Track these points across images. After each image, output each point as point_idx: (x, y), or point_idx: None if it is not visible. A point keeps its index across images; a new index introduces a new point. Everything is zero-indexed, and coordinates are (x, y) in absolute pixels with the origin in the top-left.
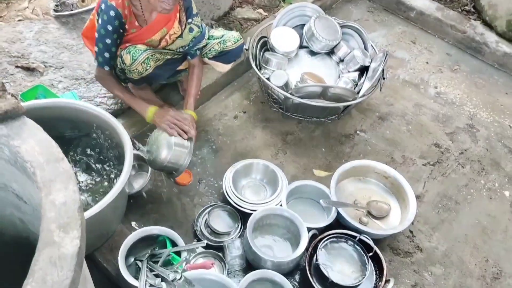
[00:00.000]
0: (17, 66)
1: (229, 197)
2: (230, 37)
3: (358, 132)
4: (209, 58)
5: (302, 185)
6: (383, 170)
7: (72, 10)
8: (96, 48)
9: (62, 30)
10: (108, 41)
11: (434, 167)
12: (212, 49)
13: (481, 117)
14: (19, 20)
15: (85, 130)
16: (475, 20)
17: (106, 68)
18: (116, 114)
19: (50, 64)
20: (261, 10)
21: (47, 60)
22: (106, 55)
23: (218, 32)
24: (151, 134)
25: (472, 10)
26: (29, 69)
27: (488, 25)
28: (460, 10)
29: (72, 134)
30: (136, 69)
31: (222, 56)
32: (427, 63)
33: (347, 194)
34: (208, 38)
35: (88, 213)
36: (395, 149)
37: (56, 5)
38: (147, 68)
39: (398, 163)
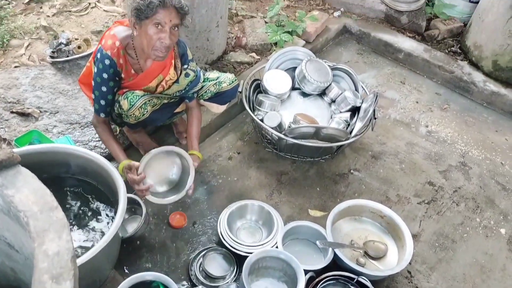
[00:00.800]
0: (12, 112)
1: (224, 240)
2: (225, 79)
3: (352, 171)
4: (204, 100)
5: (298, 226)
6: (379, 210)
7: (68, 56)
8: (93, 96)
9: (58, 75)
10: (104, 89)
11: (429, 206)
12: (208, 90)
13: (473, 155)
14: (15, 67)
15: (80, 175)
16: (461, 60)
17: (102, 115)
18: (110, 157)
19: (45, 109)
20: (253, 54)
21: (43, 105)
22: (102, 102)
23: (213, 74)
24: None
25: (459, 51)
26: (24, 114)
27: (475, 65)
28: (447, 51)
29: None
30: (134, 114)
31: (218, 97)
32: (417, 102)
33: (343, 234)
34: (204, 81)
35: (80, 260)
36: (390, 188)
37: (53, 52)
38: (144, 113)
39: (393, 202)
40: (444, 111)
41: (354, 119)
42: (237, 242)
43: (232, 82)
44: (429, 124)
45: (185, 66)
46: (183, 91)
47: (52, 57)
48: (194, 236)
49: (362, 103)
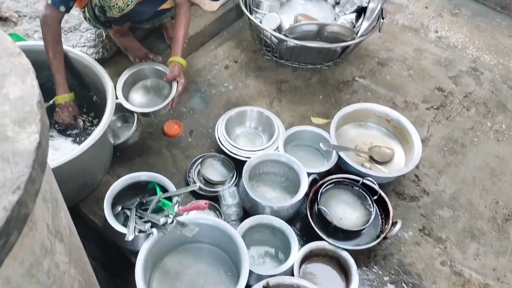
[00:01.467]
0: None
1: (223, 146)
2: None
3: (356, 78)
4: None
5: (300, 131)
6: (385, 113)
7: None
8: None
9: None
10: None
11: (438, 111)
12: None
13: (484, 60)
14: None
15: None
16: None
17: (62, 8)
18: (101, 62)
19: (24, 13)
20: None
21: (21, 9)
22: None
23: None
24: None
25: None
26: (1, 19)
27: None
28: None
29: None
30: (117, 4)
31: None
32: (426, 7)
33: (348, 140)
34: None
35: (68, 157)
36: (397, 94)
37: None
38: (129, 3)
39: (400, 108)
40: (455, 16)
41: (360, 21)
42: (236, 148)
43: None
44: (439, 30)
45: None
46: None
47: None
48: (190, 144)
49: (369, 3)
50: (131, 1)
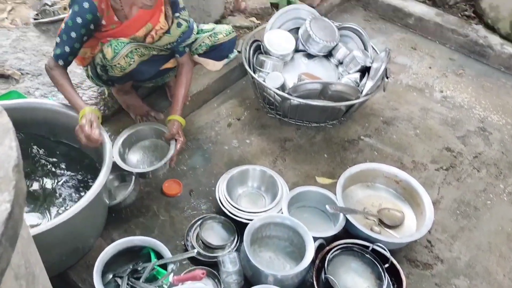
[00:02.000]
0: None
1: (223, 206)
2: (221, 30)
3: (362, 137)
4: (199, 55)
5: (305, 192)
6: (394, 174)
7: (53, 17)
8: (58, 39)
9: (42, 37)
10: (73, 34)
11: (448, 172)
12: (202, 43)
13: (492, 120)
14: None
15: (63, 136)
16: (476, 24)
17: (60, 62)
18: (102, 120)
19: (27, 71)
20: (253, 18)
21: (24, 67)
22: (67, 49)
23: (208, 26)
24: None
25: (472, 15)
26: (3, 76)
27: (491, 28)
28: (460, 15)
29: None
30: (119, 63)
31: (213, 51)
32: (430, 68)
33: (355, 201)
34: (198, 32)
35: (57, 220)
36: (404, 154)
37: (37, 14)
38: (131, 62)
39: (408, 169)
40: (459, 76)
41: (364, 80)
42: (237, 209)
43: (229, 33)
44: (444, 90)
45: (177, 15)
46: (175, 43)
47: (36, 19)
48: (190, 204)
49: (372, 63)
50: (134, 61)
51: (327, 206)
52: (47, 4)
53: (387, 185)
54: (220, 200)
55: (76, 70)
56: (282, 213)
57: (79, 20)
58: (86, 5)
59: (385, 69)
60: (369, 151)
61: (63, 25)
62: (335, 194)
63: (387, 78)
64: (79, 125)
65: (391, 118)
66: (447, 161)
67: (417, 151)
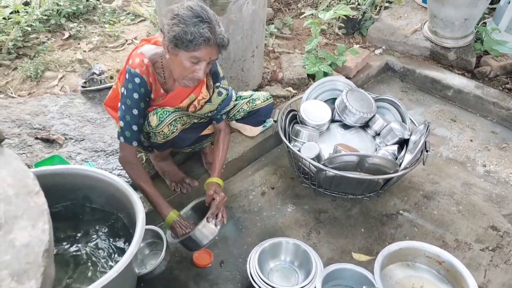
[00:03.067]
0: (36, 138)
1: (255, 282)
2: (259, 96)
3: (401, 211)
4: (237, 120)
5: (340, 269)
6: (436, 254)
7: (99, 85)
8: (121, 123)
9: (88, 104)
10: (135, 111)
11: (495, 253)
12: (241, 109)
13: None
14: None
15: (99, 202)
16: None
17: (134, 143)
18: (134, 187)
19: (70, 136)
20: (290, 88)
21: (68, 132)
22: (134, 128)
23: (246, 93)
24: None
25: None
26: (48, 141)
27: None
28: (501, 88)
29: (86, 205)
30: (162, 131)
31: (251, 116)
32: (471, 140)
33: (394, 282)
34: (236, 99)
35: None
36: (446, 232)
37: (85, 82)
38: (174, 130)
39: (451, 248)
40: (503, 150)
41: (402, 153)
42: (269, 286)
43: (267, 99)
44: (487, 164)
45: (217, 84)
46: (215, 111)
47: (83, 87)
48: (220, 277)
49: (410, 135)
50: (177, 129)
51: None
52: (95, 73)
53: (429, 265)
54: (251, 275)
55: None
56: None
57: (136, 96)
58: (137, 80)
59: (425, 142)
60: (408, 226)
61: (122, 107)
62: (373, 274)
63: (427, 151)
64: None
65: (432, 193)
66: (493, 241)
67: (460, 229)
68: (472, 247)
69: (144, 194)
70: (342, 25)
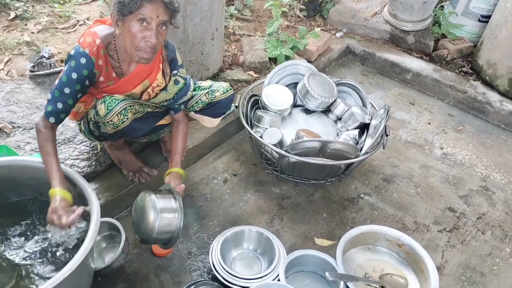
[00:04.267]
0: None
1: (217, 272)
2: (218, 87)
3: (362, 195)
4: (195, 112)
5: (303, 256)
6: (396, 237)
7: (49, 69)
8: (49, 96)
9: (37, 90)
10: (67, 90)
11: (451, 234)
12: (199, 101)
13: (495, 179)
14: None
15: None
16: (474, 80)
17: (51, 119)
18: (89, 177)
19: (18, 124)
20: (251, 72)
21: (16, 120)
22: (59, 105)
23: (205, 83)
24: (134, 204)
25: (470, 71)
26: None
27: (489, 85)
28: (457, 71)
29: (36, 198)
30: (111, 120)
31: (210, 108)
32: (429, 123)
33: (356, 266)
34: (194, 90)
35: None
36: (406, 214)
37: (33, 66)
38: (124, 120)
39: (410, 230)
40: (459, 132)
41: (363, 137)
42: (231, 275)
43: (227, 91)
44: (444, 146)
45: (175, 72)
46: (171, 101)
47: (32, 71)
48: (181, 268)
49: (371, 119)
50: (127, 118)
51: (326, 273)
52: (44, 57)
53: (389, 248)
54: (213, 264)
55: (69, 124)
56: (279, 280)
57: (74, 75)
58: (83, 60)
59: (385, 127)
60: (369, 210)
61: (56, 81)
62: (335, 258)
63: (387, 135)
64: (51, 210)
65: (391, 176)
66: (450, 222)
67: (419, 211)
68: (430, 229)
69: (43, 163)
70: (303, 7)
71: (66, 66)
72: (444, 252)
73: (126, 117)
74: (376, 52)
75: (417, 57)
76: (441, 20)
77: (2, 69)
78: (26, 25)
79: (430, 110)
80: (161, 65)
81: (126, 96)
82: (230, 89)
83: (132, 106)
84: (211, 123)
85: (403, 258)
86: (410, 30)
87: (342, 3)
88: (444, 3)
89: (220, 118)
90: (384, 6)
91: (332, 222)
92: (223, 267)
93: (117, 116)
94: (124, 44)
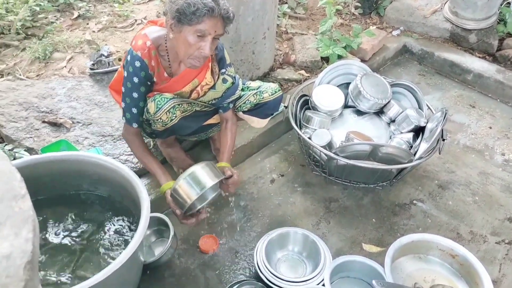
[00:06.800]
0: (43, 121)
1: (261, 272)
2: (267, 88)
3: (414, 201)
4: (243, 112)
5: (350, 261)
6: (450, 247)
7: (108, 67)
8: (123, 104)
9: (96, 87)
10: (135, 95)
11: (511, 246)
12: (247, 101)
13: None
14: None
15: (105, 189)
16: None
17: (134, 125)
18: (141, 173)
19: (78, 120)
20: (303, 71)
21: (76, 116)
22: (134, 110)
23: (254, 83)
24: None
25: None
26: (55, 125)
27: None
28: None
29: (91, 192)
30: (160, 118)
31: (258, 109)
32: (490, 128)
33: (405, 275)
34: (243, 89)
35: (88, 283)
36: (461, 223)
37: (93, 64)
38: (172, 118)
39: (465, 240)
40: None
41: (418, 141)
42: (276, 276)
43: (275, 92)
44: (506, 152)
45: (223, 71)
46: (219, 99)
47: (92, 69)
48: (226, 266)
49: (427, 122)
50: (175, 116)
51: (374, 281)
52: (103, 55)
53: (441, 258)
54: (258, 265)
55: (123, 120)
56: (324, 284)
57: (136, 80)
58: (138, 64)
59: (441, 131)
60: (422, 217)
61: (123, 89)
62: (383, 266)
63: (443, 140)
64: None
65: (447, 182)
66: (510, 233)
67: (475, 221)
68: (487, 240)
69: (145, 167)
70: (359, 4)
71: (126, 72)
72: (502, 265)
73: (174, 115)
74: (435, 51)
75: (479, 57)
76: (507, 18)
77: (65, 66)
78: (87, 24)
79: (491, 114)
80: (210, 64)
81: (175, 95)
82: (279, 90)
83: (180, 105)
84: (258, 123)
85: (456, 270)
86: (472, 28)
87: (399, 0)
88: (511, 0)
89: (268, 119)
90: (445, 3)
91: (382, 228)
92: (267, 268)
93: (166, 114)
94: (177, 49)
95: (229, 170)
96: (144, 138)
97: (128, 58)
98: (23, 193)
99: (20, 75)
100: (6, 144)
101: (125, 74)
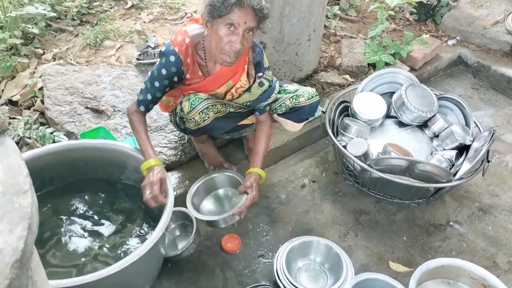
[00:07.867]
0: (86, 107)
1: (280, 280)
2: (304, 93)
3: (451, 223)
4: (278, 115)
5: (372, 279)
6: (482, 276)
7: (153, 59)
8: (143, 85)
9: (140, 77)
10: (157, 84)
11: None
12: (282, 104)
13: None
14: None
15: (133, 179)
16: None
17: (142, 108)
18: (173, 166)
19: (119, 108)
20: (347, 76)
21: (118, 104)
22: (149, 96)
23: (291, 86)
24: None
25: None
26: (97, 111)
27: None
28: None
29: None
30: (193, 118)
31: (293, 113)
32: None
33: None
34: (279, 92)
35: (107, 271)
36: (499, 252)
37: (139, 55)
38: (205, 118)
39: (502, 270)
40: None
41: (461, 159)
42: (294, 286)
43: (312, 97)
44: None
45: (260, 74)
46: (254, 102)
47: (138, 59)
48: (247, 268)
49: (473, 141)
50: (208, 117)
51: None
52: (150, 46)
53: (472, 287)
54: (277, 273)
55: (164, 113)
56: None
57: (163, 71)
58: (172, 58)
59: (487, 151)
60: (457, 240)
61: (149, 73)
62: None
63: (488, 162)
64: (148, 181)
65: (489, 206)
66: None
67: None
68: None
69: (138, 143)
70: (414, 10)
71: (158, 61)
72: None
73: (207, 115)
74: (492, 64)
75: None
76: None
77: (113, 54)
78: (139, 14)
79: None
80: (246, 67)
81: (210, 95)
82: (316, 96)
83: (214, 106)
84: (293, 127)
85: None
86: None
87: (459, 9)
88: None
89: (303, 123)
90: (508, 15)
91: (413, 247)
92: (286, 276)
93: (199, 114)
94: (210, 44)
95: (249, 186)
96: (180, 132)
97: (164, 49)
98: (26, 188)
99: (71, 60)
100: (47, 127)
101: (157, 63)
